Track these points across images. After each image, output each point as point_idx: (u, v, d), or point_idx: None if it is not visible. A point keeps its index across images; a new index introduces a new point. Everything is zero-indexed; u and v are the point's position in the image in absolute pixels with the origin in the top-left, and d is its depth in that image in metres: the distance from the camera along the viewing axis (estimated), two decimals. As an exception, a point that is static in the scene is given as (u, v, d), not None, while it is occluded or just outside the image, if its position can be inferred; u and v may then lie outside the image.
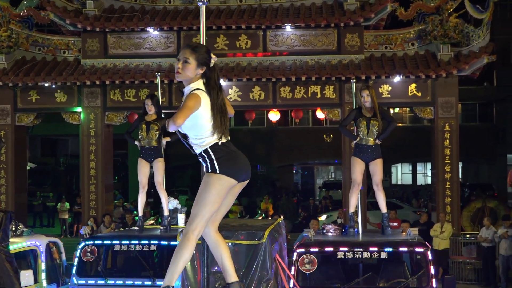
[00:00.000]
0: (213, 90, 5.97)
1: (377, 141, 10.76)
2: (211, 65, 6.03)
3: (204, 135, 5.97)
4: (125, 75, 22.49)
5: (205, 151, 5.98)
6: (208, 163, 5.96)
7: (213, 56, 6.05)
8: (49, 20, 23.47)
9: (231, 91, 22.73)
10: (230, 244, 7.65)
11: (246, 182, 6.17)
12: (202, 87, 5.98)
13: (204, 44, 6.39)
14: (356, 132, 10.87)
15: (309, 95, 22.74)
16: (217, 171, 5.93)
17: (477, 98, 44.99)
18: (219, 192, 5.95)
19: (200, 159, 6.05)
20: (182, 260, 5.90)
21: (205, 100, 5.92)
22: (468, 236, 21.83)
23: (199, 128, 5.95)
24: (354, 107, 11.24)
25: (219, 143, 5.97)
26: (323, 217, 28.81)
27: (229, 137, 6.09)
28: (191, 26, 22.61)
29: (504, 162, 45.24)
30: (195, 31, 22.61)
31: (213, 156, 5.95)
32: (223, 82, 22.42)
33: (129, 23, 22.83)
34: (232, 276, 6.18)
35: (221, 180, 5.94)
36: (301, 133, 43.76)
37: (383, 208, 10.91)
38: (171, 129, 5.82)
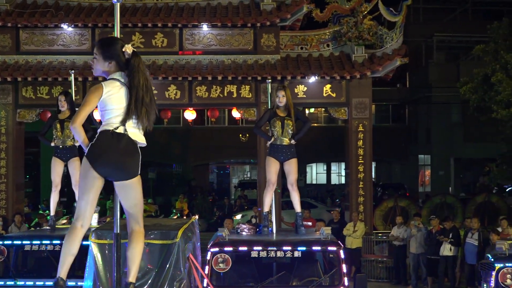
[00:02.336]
0: (132, 76, 5.94)
1: (292, 141, 10.82)
2: (127, 56, 5.99)
3: (108, 119, 5.93)
4: (38, 71, 22.07)
5: (97, 134, 5.95)
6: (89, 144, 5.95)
7: (126, 47, 5.99)
8: (-42, 14, 22.84)
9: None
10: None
11: (126, 181, 5.98)
12: (118, 76, 5.96)
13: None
14: (270, 132, 10.90)
15: (225, 94, 22.74)
16: (86, 154, 5.91)
17: (391, 99, 45.81)
18: (84, 177, 5.91)
19: None
20: (67, 251, 5.92)
21: (111, 88, 5.88)
22: (380, 235, 22.21)
23: (106, 113, 5.93)
24: (269, 107, 11.27)
25: (110, 131, 5.89)
26: (238, 216, 28.88)
27: (135, 129, 5.97)
28: (106, 23, 22.34)
29: (416, 162, 46.19)
30: (110, 28, 22.34)
31: (93, 140, 5.90)
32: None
33: (42, 19, 22.41)
34: (129, 276, 6.12)
35: (84, 164, 5.90)
36: (217, 133, 43.75)
37: (297, 207, 10.97)
38: (72, 130, 5.83)
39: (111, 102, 5.90)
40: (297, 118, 10.92)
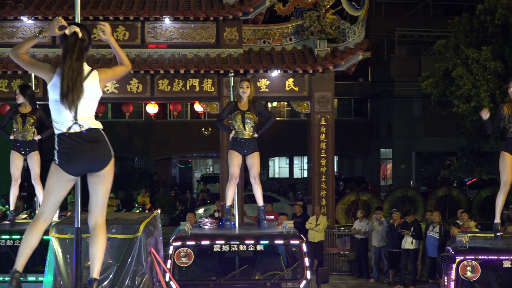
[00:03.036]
0: (62, 61, 5.80)
1: (255, 135, 10.78)
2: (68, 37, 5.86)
3: (54, 119, 5.85)
4: (-2, 64, 21.80)
5: (55, 137, 5.89)
6: (54, 151, 5.91)
7: (67, 29, 5.86)
8: None
9: (108, 83, 22.29)
10: (104, 238, 7.52)
11: (102, 171, 5.98)
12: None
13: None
14: (232, 126, 10.85)
15: (188, 88, 22.66)
16: (56, 162, 5.86)
17: (353, 93, 46.01)
18: (54, 181, 5.91)
19: None
20: (26, 243, 5.91)
21: (56, 77, 5.79)
22: (342, 228, 22.31)
23: (52, 109, 5.85)
24: (231, 100, 11.22)
25: (67, 134, 5.80)
26: (200, 211, 28.83)
27: (87, 125, 5.84)
28: (66, 16, 22.03)
29: (378, 156, 46.49)
30: (70, 21, 22.04)
31: (56, 146, 5.85)
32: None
33: (1, 11, 22.11)
34: (92, 272, 6.06)
35: (56, 171, 5.87)
36: (179, 126, 43.62)
37: (260, 201, 10.94)
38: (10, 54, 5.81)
39: (55, 91, 5.80)
40: (260, 112, 10.87)
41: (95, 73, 5.92)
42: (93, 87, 5.89)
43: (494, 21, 19.99)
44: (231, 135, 10.88)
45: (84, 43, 5.87)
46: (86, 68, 5.92)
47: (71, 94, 5.73)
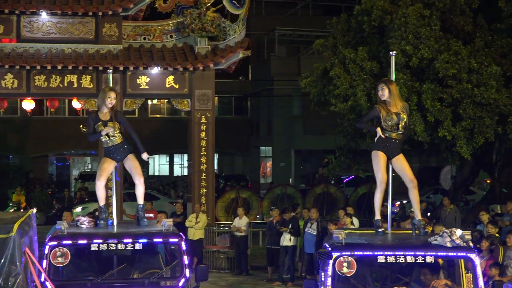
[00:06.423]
0: None
1: (143, 155, 10.72)
2: None
3: None
4: None
5: None
6: None
7: None
8: None
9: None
10: (-25, 238, 7.28)
11: None
12: None
13: None
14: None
15: (65, 84, 22.18)
16: None
17: (233, 91, 46.32)
18: None
19: None
20: None
21: None
22: (222, 226, 22.38)
23: None
24: (92, 113, 10.97)
25: None
26: (78, 209, 28.37)
27: None
28: None
29: (258, 154, 46.94)
30: None
31: None
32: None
33: None
34: None
35: None
36: (56, 123, 42.83)
37: (140, 200, 10.85)
38: None
39: None
40: (120, 122, 10.67)
41: None
42: None
43: (370, 22, 20.44)
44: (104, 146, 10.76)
45: None
46: None
47: None
